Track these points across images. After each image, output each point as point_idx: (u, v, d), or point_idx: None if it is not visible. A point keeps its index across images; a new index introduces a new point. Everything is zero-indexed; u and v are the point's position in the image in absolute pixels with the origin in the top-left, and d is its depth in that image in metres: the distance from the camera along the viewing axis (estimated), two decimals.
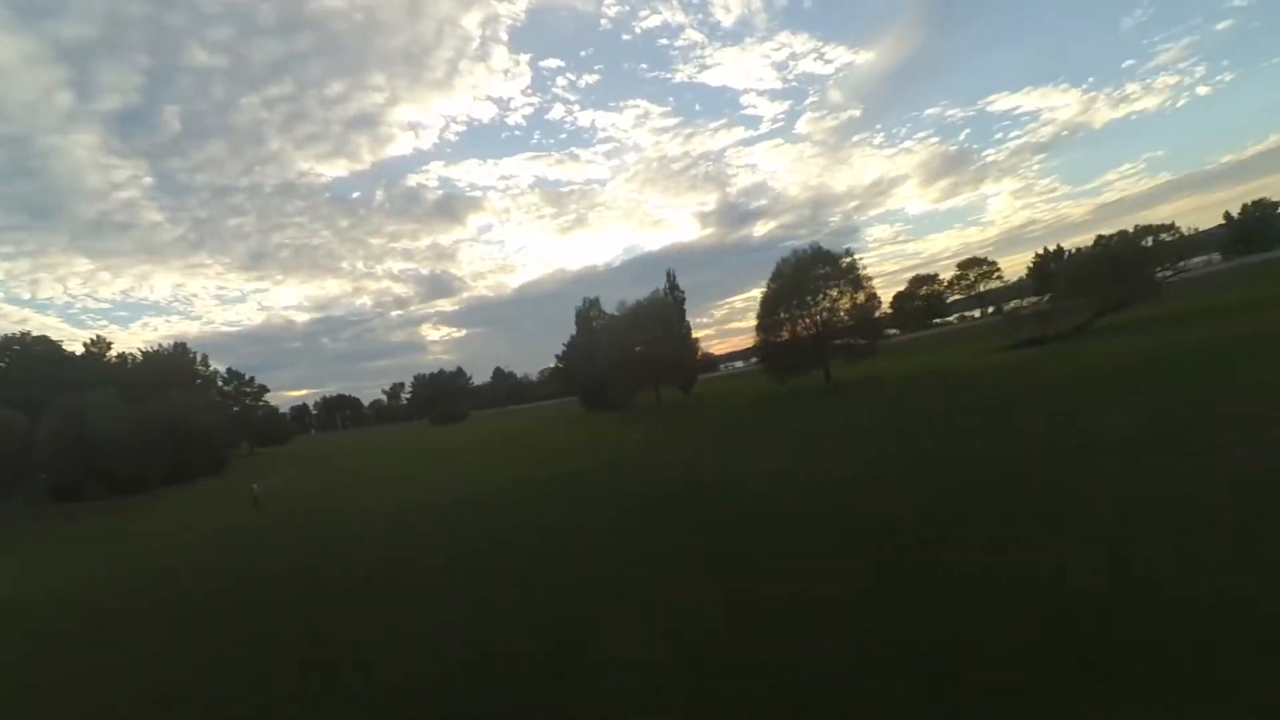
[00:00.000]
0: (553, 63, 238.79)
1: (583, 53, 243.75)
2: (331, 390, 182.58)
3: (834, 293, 46.97)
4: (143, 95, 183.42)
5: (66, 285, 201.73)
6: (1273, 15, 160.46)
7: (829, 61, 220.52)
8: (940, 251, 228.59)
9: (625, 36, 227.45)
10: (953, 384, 31.89)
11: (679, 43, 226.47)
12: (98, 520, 37.30)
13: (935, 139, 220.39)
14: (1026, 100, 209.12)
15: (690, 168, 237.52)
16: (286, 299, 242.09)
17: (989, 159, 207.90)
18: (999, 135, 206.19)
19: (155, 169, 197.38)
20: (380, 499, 26.97)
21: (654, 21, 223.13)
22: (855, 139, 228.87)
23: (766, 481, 16.04)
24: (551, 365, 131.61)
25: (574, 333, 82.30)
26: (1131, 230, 47.28)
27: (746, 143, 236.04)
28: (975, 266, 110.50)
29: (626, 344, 55.75)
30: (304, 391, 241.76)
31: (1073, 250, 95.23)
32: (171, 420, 45.49)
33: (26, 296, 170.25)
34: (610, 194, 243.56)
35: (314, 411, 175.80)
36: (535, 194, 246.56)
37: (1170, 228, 46.71)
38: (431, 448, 57.21)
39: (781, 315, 48.05)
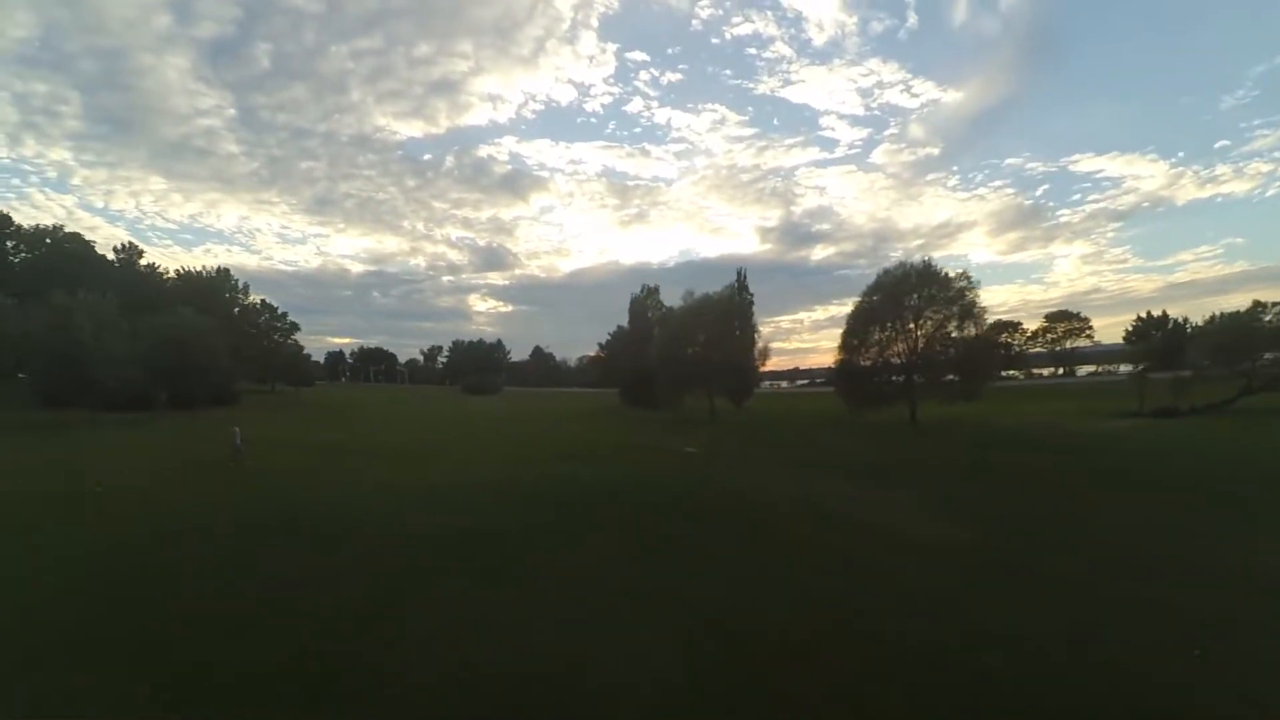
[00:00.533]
0: (639, 56, 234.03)
1: (669, 50, 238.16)
2: (373, 343, 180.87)
3: (937, 316, 40.31)
4: (238, 28, 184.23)
5: (139, 201, 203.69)
6: None
7: (915, 95, 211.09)
8: (997, 305, 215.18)
9: (714, 40, 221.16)
10: (1091, 446, 25.18)
11: (766, 54, 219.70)
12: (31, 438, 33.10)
13: (1011, 190, 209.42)
14: (1111, 165, 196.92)
15: (759, 180, 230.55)
16: (344, 248, 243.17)
17: (1063, 219, 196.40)
18: (1077, 196, 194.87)
19: (239, 102, 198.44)
20: (378, 473, 21.54)
21: (745, 29, 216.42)
22: (929, 177, 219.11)
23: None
24: (592, 354, 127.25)
25: (620, 324, 77.09)
26: None
27: (819, 164, 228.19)
28: (1064, 321, 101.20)
29: (684, 340, 49.82)
30: (347, 340, 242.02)
31: (1182, 320, 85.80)
32: (175, 339, 41.06)
33: (100, 205, 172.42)
34: (675, 194, 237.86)
35: (349, 360, 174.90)
36: (601, 183, 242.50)
37: None
38: (460, 419, 52.10)
39: (874, 335, 41.53)
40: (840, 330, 43.66)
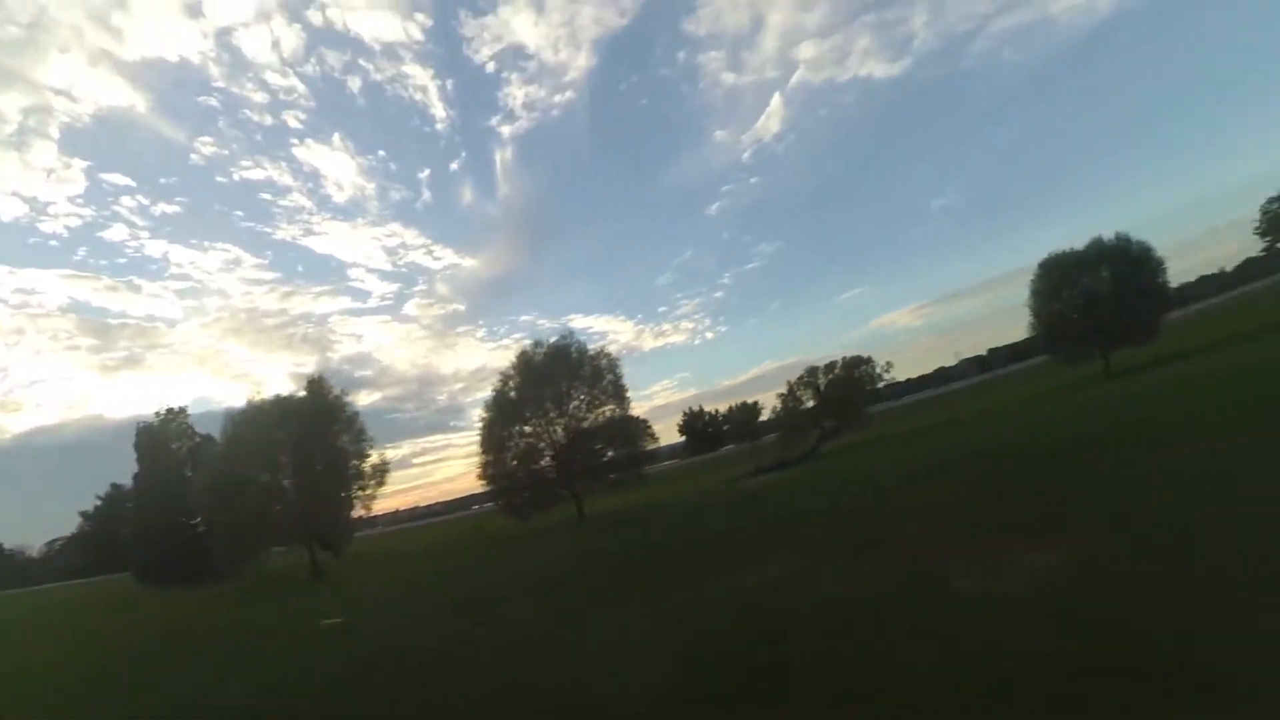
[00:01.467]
0: (119, 179, 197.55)
1: (163, 180, 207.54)
2: None
3: (584, 398, 35.94)
4: None
5: None
6: (745, 292, 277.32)
7: (438, 259, 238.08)
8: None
9: (220, 178, 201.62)
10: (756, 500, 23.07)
11: (284, 202, 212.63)
12: None
13: (528, 341, 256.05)
14: (598, 323, 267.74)
15: (287, 325, 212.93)
16: None
17: None
18: None
19: None
20: None
21: (257, 174, 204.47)
22: (460, 329, 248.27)
23: None
24: (72, 532, 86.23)
25: (117, 483, 53.81)
26: (842, 361, 48.64)
27: (354, 313, 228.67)
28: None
29: (251, 468, 34.45)
30: None
31: (715, 411, 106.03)
32: None
33: None
34: (181, 336, 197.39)
35: None
36: (68, 319, 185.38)
37: (868, 360, 49.27)
38: None
39: (520, 428, 34.73)
40: (404, 471, 36.18)
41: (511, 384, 35.83)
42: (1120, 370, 41.94)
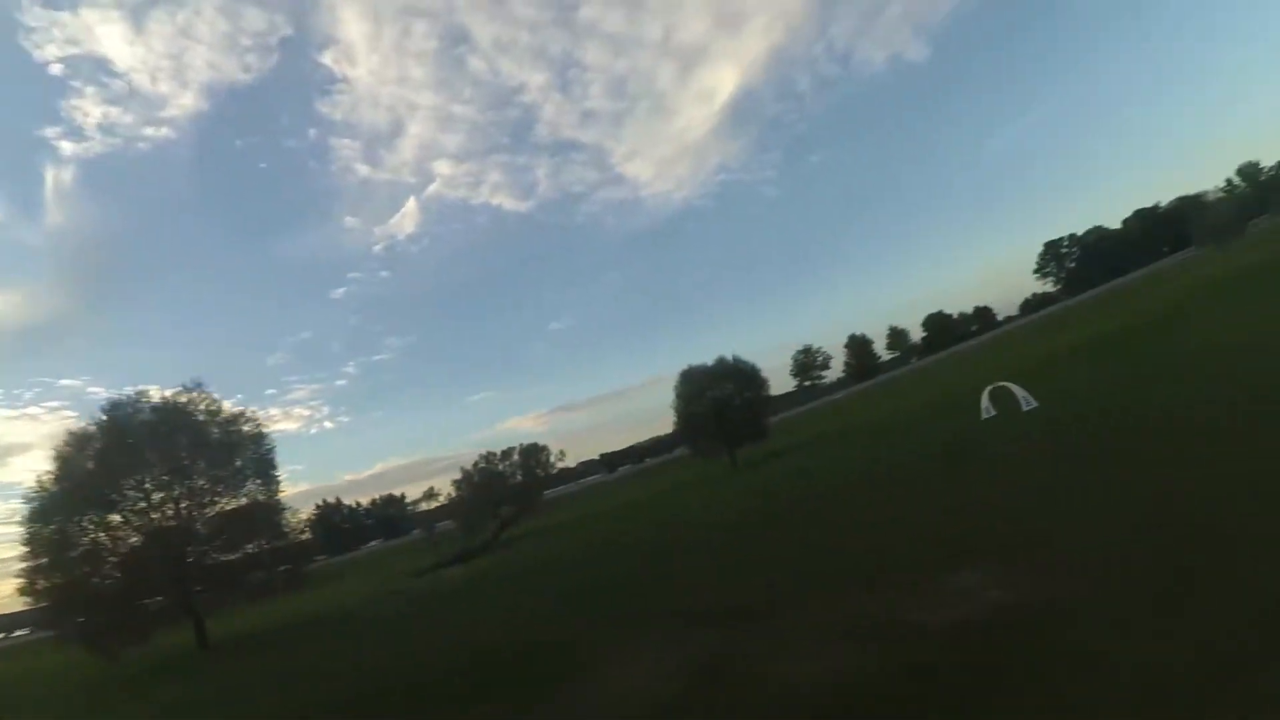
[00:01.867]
0: None
1: None
2: None
3: (212, 475, 26.17)
4: None
5: None
6: (372, 384, 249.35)
7: None
8: None
9: None
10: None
11: None
12: None
13: (73, 413, 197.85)
14: (181, 398, 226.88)
15: None
16: None
17: None
18: None
19: None
20: None
21: None
22: None
23: None
24: None
25: None
26: (519, 449, 46.78)
27: None
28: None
29: None
30: None
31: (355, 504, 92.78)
32: None
33: None
34: None
35: None
36: None
37: (544, 449, 48.43)
38: None
39: (102, 517, 23.23)
40: None
41: (89, 452, 24.26)
42: (743, 464, 48.19)
